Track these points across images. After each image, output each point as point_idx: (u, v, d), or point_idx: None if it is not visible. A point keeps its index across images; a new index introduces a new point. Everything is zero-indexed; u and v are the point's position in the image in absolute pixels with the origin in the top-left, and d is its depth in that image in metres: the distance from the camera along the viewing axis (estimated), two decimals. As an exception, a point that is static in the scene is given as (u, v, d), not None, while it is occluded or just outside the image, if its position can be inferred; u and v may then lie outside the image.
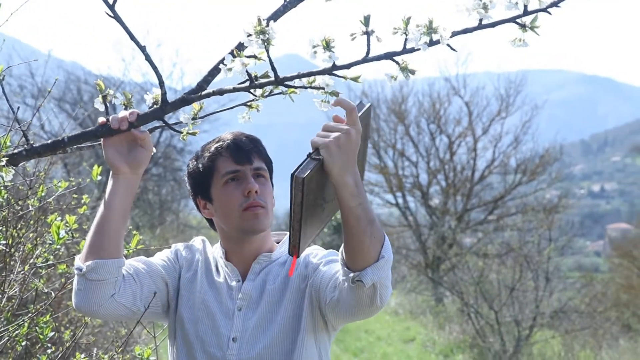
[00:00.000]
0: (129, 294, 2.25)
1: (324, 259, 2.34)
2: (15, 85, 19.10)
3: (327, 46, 1.77)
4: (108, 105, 2.08)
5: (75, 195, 4.32)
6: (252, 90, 1.90)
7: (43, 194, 3.39)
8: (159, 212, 20.36)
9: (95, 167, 3.18)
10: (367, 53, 1.76)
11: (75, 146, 2.05)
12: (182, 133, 2.04)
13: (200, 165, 2.41)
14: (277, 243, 2.50)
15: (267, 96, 1.97)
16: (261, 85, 1.87)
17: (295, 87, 1.86)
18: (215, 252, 2.49)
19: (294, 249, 2.06)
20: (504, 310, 13.52)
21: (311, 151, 2.01)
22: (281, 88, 1.90)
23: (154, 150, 2.23)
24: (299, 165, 1.98)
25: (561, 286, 16.11)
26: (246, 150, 2.38)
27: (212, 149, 2.41)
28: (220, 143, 2.41)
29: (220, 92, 1.92)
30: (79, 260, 2.18)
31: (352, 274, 2.04)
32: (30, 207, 3.36)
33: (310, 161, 1.98)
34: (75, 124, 17.15)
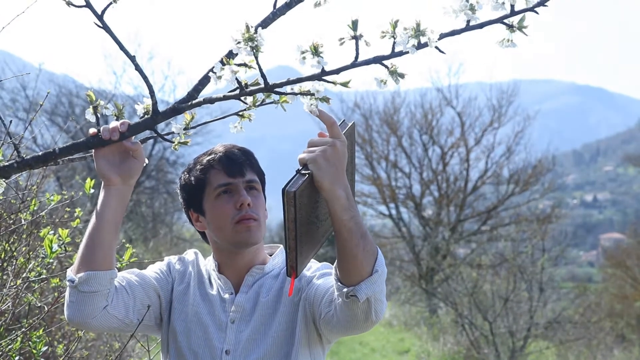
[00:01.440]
0: (121, 306, 2.24)
1: (317, 272, 2.32)
2: (7, 99, 19.08)
3: (316, 51, 1.76)
4: (99, 116, 2.07)
5: (67, 209, 4.30)
6: (243, 99, 1.90)
7: (35, 208, 3.37)
8: (152, 225, 20.31)
9: (88, 180, 3.17)
10: (356, 58, 1.75)
11: (66, 157, 2.04)
12: (173, 143, 2.03)
13: (192, 178, 2.41)
14: (270, 255, 2.49)
15: (259, 105, 1.96)
16: (251, 93, 1.86)
17: (286, 94, 1.85)
18: (208, 264, 2.48)
19: (292, 270, 2.05)
20: (498, 321, 13.51)
21: (299, 167, 2.00)
22: (273, 97, 1.90)
23: (146, 161, 2.22)
24: (288, 181, 1.97)
25: (555, 296, 16.12)
26: (238, 163, 2.37)
27: (204, 161, 2.40)
28: (213, 156, 2.40)
29: (211, 101, 1.92)
30: (71, 272, 2.17)
31: (345, 289, 2.03)
32: (23, 220, 3.34)
33: (300, 177, 1.98)
34: (68, 137, 17.11)
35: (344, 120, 2.15)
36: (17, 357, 3.15)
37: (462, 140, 24.32)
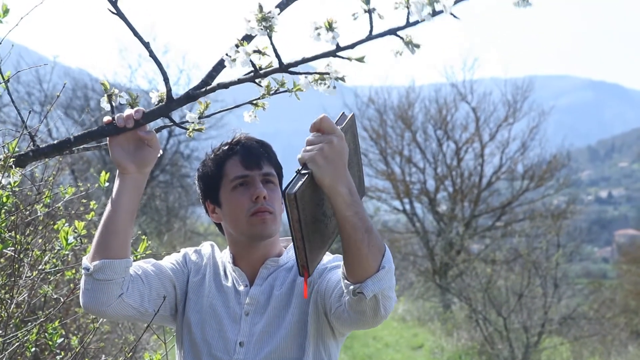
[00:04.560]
0: (136, 294, 2.24)
1: (329, 264, 2.31)
2: (23, 92, 19.16)
3: (330, 27, 1.74)
4: (114, 105, 2.08)
5: (83, 201, 4.31)
6: (258, 82, 1.88)
7: (51, 200, 3.38)
8: (167, 218, 20.36)
9: (103, 173, 3.17)
10: (371, 31, 1.73)
11: (81, 146, 2.04)
12: (188, 130, 2.03)
13: (209, 169, 2.41)
14: (285, 248, 2.49)
15: (273, 94, 1.95)
16: (266, 74, 1.85)
17: (301, 74, 1.83)
18: (224, 256, 2.48)
19: (303, 269, 2.04)
20: (512, 317, 13.46)
21: (299, 168, 2.00)
22: (287, 86, 1.88)
23: (161, 151, 2.22)
24: (288, 183, 1.96)
25: (570, 292, 16.06)
26: (256, 155, 2.37)
27: (222, 153, 2.40)
28: (230, 147, 2.40)
29: (225, 86, 1.91)
30: (86, 260, 2.18)
31: (352, 287, 2.01)
32: (39, 212, 3.35)
33: (300, 177, 1.97)
34: (82, 129, 17.17)
35: (343, 112, 2.13)
36: (33, 349, 3.16)
37: (476, 136, 24.23)
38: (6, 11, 2.36)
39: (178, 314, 2.42)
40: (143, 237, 3.06)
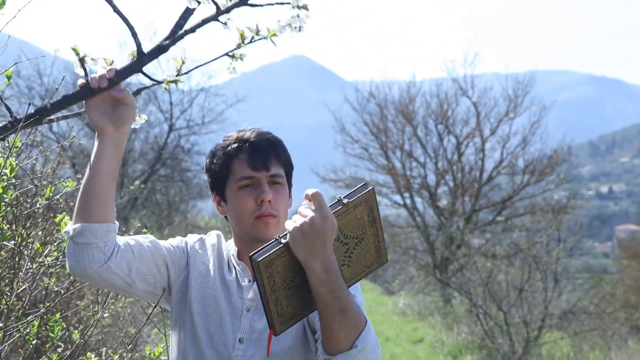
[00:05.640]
0: (124, 265, 2.23)
1: None
2: (24, 86, 19.16)
3: None
4: (87, 69, 2.08)
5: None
6: (222, 22, 1.87)
7: (51, 193, 3.39)
8: (167, 212, 20.38)
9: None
10: None
11: (61, 115, 2.03)
12: (162, 82, 2.02)
13: (216, 165, 2.39)
14: None
15: (248, 43, 1.94)
16: (228, 10, 1.84)
17: (262, 6, 1.84)
18: (230, 248, 2.46)
19: (270, 327, 2.09)
20: (512, 311, 13.47)
21: (284, 234, 2.05)
22: (262, 34, 1.89)
23: (145, 117, 2.22)
24: (264, 246, 2.03)
25: (570, 287, 16.06)
26: (263, 157, 2.34)
27: (229, 150, 2.37)
28: (238, 145, 2.37)
29: (192, 30, 1.91)
30: (69, 224, 2.18)
31: (323, 357, 2.05)
32: (39, 204, 3.35)
33: (276, 244, 2.02)
34: (83, 123, 17.20)
35: (364, 183, 2.13)
36: (34, 341, 3.17)
37: (477, 130, 24.23)
38: (2, 3, 2.35)
39: (177, 300, 2.40)
40: (144, 230, 3.07)
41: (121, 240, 2.26)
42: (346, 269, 2.13)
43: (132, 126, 2.23)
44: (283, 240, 2.02)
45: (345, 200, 2.08)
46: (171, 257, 2.39)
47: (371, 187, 2.11)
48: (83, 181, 2.18)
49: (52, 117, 2.20)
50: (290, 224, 2.03)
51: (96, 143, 2.17)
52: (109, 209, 2.18)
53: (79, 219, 2.16)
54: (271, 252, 2.00)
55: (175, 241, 2.46)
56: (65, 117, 2.13)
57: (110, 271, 2.19)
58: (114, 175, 2.19)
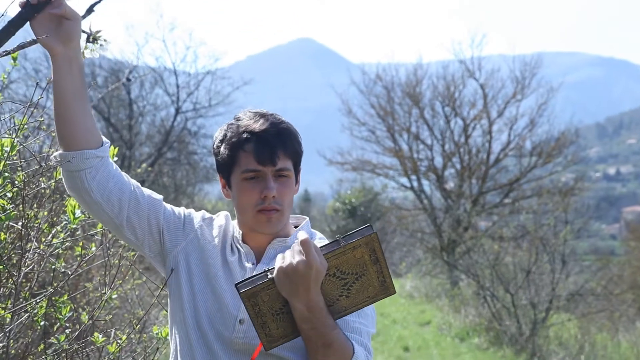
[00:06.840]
0: (114, 200, 2.24)
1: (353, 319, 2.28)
2: (31, 69, 19.17)
3: None
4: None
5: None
6: None
7: (59, 177, 3.38)
8: (174, 195, 20.36)
9: (112, 148, 3.16)
10: None
11: (19, 45, 2.04)
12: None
13: (222, 152, 2.33)
14: (295, 227, 2.45)
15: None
16: None
17: None
18: (235, 229, 2.43)
19: (260, 343, 2.15)
20: (520, 293, 13.46)
21: (270, 267, 2.08)
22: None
23: (79, 14, 2.19)
24: (251, 276, 2.07)
25: (577, 269, 16.03)
26: (270, 150, 2.26)
27: (236, 140, 2.29)
28: (246, 135, 2.28)
29: None
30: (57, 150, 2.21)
31: None
32: (43, 184, 3.35)
33: (263, 277, 2.06)
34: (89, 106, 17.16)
35: (369, 225, 2.11)
36: (42, 322, 3.17)
37: (484, 112, 24.19)
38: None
39: (168, 266, 2.38)
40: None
41: (125, 178, 2.28)
42: (345, 299, 2.14)
43: (90, 55, 2.24)
44: (270, 275, 2.05)
45: (342, 243, 2.08)
46: (168, 224, 2.37)
47: (374, 232, 2.08)
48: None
49: (8, 50, 2.20)
50: (278, 261, 2.05)
51: (52, 67, 2.16)
52: (83, 133, 2.17)
53: (60, 146, 2.18)
54: (256, 284, 2.04)
55: (179, 210, 2.43)
56: (22, 47, 2.12)
57: (102, 211, 2.24)
58: (80, 94, 2.17)
